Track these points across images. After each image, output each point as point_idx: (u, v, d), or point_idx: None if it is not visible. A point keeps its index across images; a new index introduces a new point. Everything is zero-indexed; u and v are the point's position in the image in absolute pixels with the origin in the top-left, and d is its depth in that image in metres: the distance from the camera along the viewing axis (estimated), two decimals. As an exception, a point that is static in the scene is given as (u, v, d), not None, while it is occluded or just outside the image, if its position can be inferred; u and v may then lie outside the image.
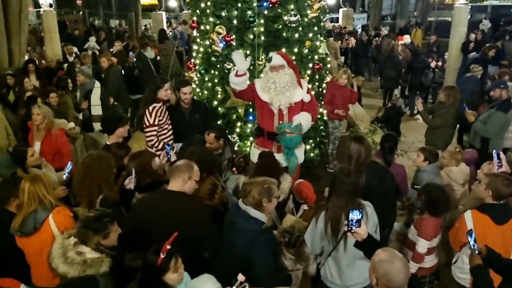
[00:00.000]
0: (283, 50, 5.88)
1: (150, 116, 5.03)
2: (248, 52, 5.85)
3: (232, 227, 3.12)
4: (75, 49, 12.25)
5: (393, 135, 4.91)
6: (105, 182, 3.49)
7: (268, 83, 4.84)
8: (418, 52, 11.65)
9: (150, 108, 5.06)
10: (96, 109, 6.99)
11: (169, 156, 4.32)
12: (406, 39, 13.67)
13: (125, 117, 4.87)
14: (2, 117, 5.91)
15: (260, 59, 5.73)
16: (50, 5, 11.37)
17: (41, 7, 11.35)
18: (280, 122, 4.90)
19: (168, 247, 2.49)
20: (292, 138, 4.81)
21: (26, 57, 9.80)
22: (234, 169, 4.60)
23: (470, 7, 11.25)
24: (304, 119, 4.83)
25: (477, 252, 2.97)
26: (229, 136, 6.05)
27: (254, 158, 4.79)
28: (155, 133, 5.06)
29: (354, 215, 2.69)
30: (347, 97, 6.99)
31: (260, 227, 3.07)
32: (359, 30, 19.36)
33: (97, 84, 7.22)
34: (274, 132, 4.95)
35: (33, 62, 8.61)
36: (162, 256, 2.46)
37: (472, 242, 2.96)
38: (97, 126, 6.77)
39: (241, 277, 2.60)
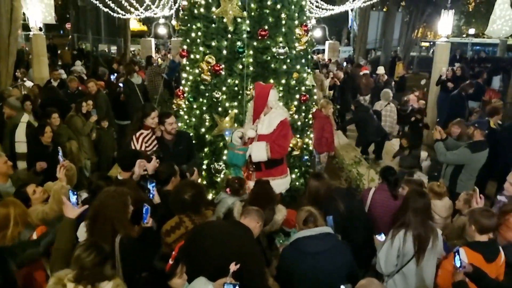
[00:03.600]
0: (271, 81, 6.00)
1: (137, 142, 5.06)
2: (236, 81, 5.95)
3: None
4: (63, 74, 12.23)
5: (392, 168, 5.00)
6: (119, 221, 3.21)
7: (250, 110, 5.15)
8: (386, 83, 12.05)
9: (137, 134, 5.10)
10: (21, 146, 6.21)
11: (152, 194, 3.96)
12: (380, 70, 14.08)
13: (141, 152, 4.59)
14: None
15: (248, 89, 5.82)
16: (40, 29, 11.40)
17: (30, 30, 11.36)
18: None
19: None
20: (229, 153, 5.20)
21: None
22: (228, 189, 4.68)
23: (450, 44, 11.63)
24: (255, 147, 5.03)
25: (461, 269, 3.10)
26: (215, 163, 6.09)
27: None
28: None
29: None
30: (332, 128, 7.11)
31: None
32: (344, 63, 19.78)
33: (25, 118, 6.58)
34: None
35: (30, 99, 7.69)
36: (170, 262, 2.69)
37: (459, 259, 3.11)
38: (21, 164, 6.03)
39: (233, 267, 2.83)
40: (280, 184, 5.18)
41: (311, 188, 4.26)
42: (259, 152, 4.94)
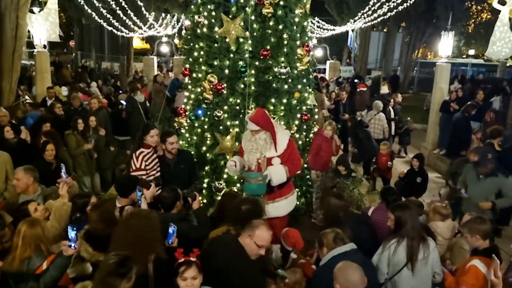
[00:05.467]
0: (272, 100, 6.03)
1: (137, 160, 5.03)
2: (238, 100, 5.98)
3: None
4: (64, 91, 12.25)
5: (392, 188, 4.99)
6: (156, 240, 3.16)
7: (246, 140, 4.94)
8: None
9: (137, 152, 5.07)
10: None
11: (139, 202, 3.98)
12: (384, 89, 14.14)
13: (140, 179, 4.53)
14: (5, 159, 5.58)
15: (250, 108, 5.84)
16: (44, 46, 11.52)
17: (34, 48, 11.48)
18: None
19: (193, 259, 2.97)
20: (246, 185, 4.83)
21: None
22: None
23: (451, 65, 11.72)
24: (275, 172, 4.80)
25: None
26: (216, 182, 6.08)
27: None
28: (144, 177, 5.02)
29: None
30: (332, 149, 7.05)
31: None
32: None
33: None
34: None
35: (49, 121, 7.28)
36: (179, 260, 2.84)
37: None
38: None
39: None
40: (291, 201, 5.14)
41: (332, 207, 4.26)
42: (280, 175, 4.84)
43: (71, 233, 3.11)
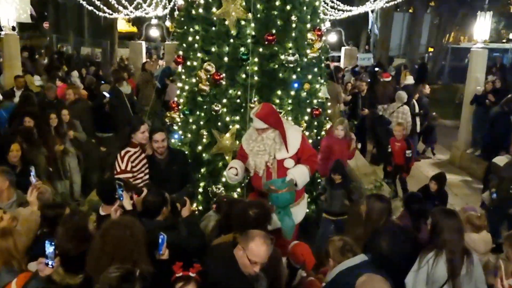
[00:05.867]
0: (278, 92, 6.07)
1: (122, 161, 5.06)
2: (239, 93, 6.03)
3: None
4: (38, 81, 12.28)
5: (417, 195, 5.01)
6: (140, 254, 3.13)
7: (250, 141, 4.94)
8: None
9: (122, 152, 5.11)
10: None
11: (120, 199, 4.00)
12: (409, 80, 14.12)
13: (129, 184, 4.54)
14: None
15: (252, 101, 5.89)
16: (13, 28, 11.47)
17: (1, 30, 11.44)
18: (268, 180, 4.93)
19: (193, 275, 3.03)
20: (278, 196, 4.79)
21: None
22: (214, 206, 4.96)
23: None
24: (299, 174, 4.84)
25: None
26: (213, 186, 6.13)
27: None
28: (131, 181, 5.07)
29: None
30: (346, 152, 6.99)
31: None
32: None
33: None
34: (262, 191, 5.01)
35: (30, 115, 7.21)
36: (177, 274, 2.96)
37: None
38: None
39: None
40: (303, 206, 5.21)
41: (375, 210, 4.25)
42: (305, 176, 4.90)
43: (49, 248, 3.01)
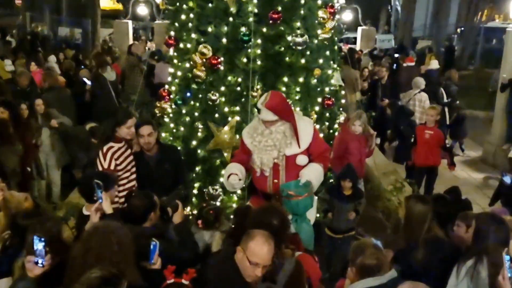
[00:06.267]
0: (285, 79, 6.06)
1: (104, 159, 5.01)
2: (239, 79, 6.02)
3: None
4: (9, 66, 12.28)
5: (445, 198, 5.00)
6: (127, 263, 3.14)
7: (254, 134, 4.92)
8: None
9: (104, 148, 5.06)
10: None
11: (100, 200, 4.00)
12: (434, 64, 14.11)
13: (113, 178, 4.51)
14: None
15: (255, 89, 5.88)
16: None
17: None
18: (275, 180, 4.91)
19: (185, 282, 3.08)
20: (299, 203, 4.75)
21: None
22: (199, 222, 4.82)
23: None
24: (314, 174, 4.83)
25: None
26: (210, 187, 6.12)
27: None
28: None
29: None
30: (363, 150, 6.93)
31: None
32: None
33: None
34: (268, 193, 5.01)
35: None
36: (168, 281, 3.01)
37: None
38: None
39: None
40: (314, 208, 5.21)
41: (415, 215, 4.23)
42: (320, 176, 4.93)
43: (38, 245, 3.04)
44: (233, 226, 4.61)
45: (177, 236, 3.97)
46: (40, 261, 3.04)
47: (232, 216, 5.62)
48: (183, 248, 3.90)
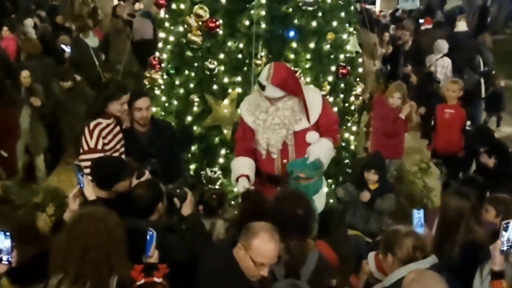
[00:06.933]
0: (293, 45, 6.05)
1: (90, 137, 4.99)
2: (241, 45, 6.01)
3: None
4: None
5: (476, 179, 5.01)
6: (118, 255, 3.16)
7: (256, 112, 4.90)
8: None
9: (91, 125, 5.02)
10: None
11: (81, 186, 4.01)
12: (461, 26, 14.05)
13: (128, 168, 4.48)
14: None
15: (258, 56, 5.87)
16: None
17: None
18: (284, 161, 4.93)
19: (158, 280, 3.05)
20: (309, 185, 4.79)
21: None
22: (200, 208, 4.79)
23: None
24: (324, 150, 4.85)
25: None
26: (207, 169, 6.15)
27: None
28: None
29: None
30: (402, 125, 7.06)
31: None
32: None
33: None
34: (276, 176, 5.04)
35: None
36: (138, 282, 2.99)
37: None
38: None
39: None
40: (323, 193, 5.25)
41: (451, 209, 4.25)
42: (330, 154, 4.99)
43: (3, 241, 3.07)
44: (239, 213, 4.53)
45: (188, 229, 3.96)
46: (5, 258, 3.09)
47: (233, 202, 5.69)
48: (196, 242, 3.88)
